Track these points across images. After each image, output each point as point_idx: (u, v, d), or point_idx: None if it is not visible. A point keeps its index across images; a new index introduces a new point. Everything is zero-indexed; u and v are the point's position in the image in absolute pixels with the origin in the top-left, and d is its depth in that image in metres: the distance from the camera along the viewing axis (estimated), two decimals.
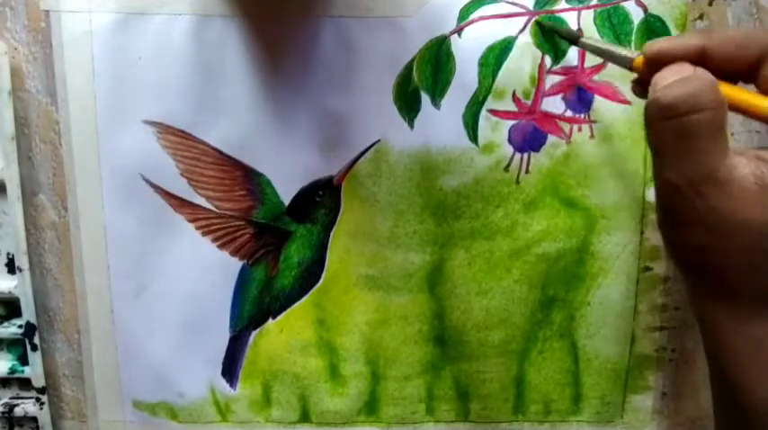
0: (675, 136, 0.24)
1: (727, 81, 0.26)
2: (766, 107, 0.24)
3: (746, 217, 0.23)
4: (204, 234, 0.39)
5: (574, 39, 0.35)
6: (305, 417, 0.42)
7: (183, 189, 0.38)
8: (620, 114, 0.37)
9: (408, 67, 0.37)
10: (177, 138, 0.38)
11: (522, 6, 0.36)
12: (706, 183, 0.24)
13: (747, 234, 0.23)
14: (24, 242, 0.38)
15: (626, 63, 0.29)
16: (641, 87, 0.29)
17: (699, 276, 0.26)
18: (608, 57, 0.32)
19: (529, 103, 0.37)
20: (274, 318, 0.40)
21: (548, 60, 0.37)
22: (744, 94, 0.25)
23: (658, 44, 0.27)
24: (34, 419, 0.41)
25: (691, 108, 0.24)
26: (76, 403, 0.42)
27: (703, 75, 0.25)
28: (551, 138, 0.38)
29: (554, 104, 0.37)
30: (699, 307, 0.27)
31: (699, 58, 0.26)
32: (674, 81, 0.25)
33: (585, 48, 0.34)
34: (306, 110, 0.37)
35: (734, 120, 0.38)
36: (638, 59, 0.28)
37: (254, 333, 0.40)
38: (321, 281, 0.40)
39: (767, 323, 0.24)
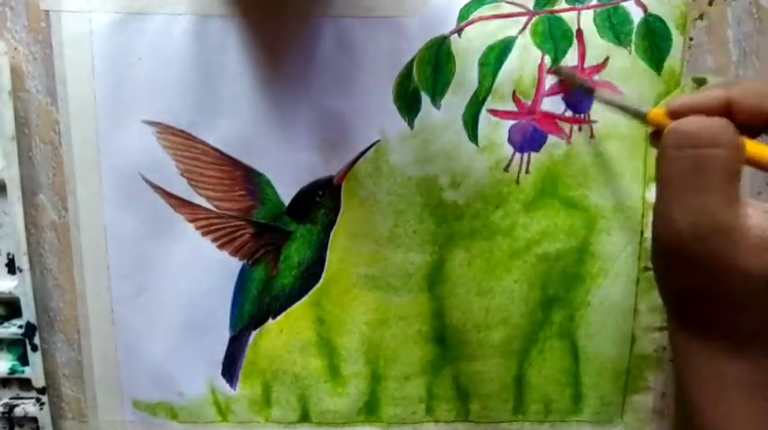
0: (689, 168, 0.24)
1: (749, 135, 0.25)
2: None
3: (746, 266, 0.23)
4: (204, 234, 0.39)
5: (590, 90, 0.34)
6: (305, 417, 0.42)
7: (183, 189, 0.38)
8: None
9: (408, 67, 0.37)
10: (177, 138, 0.38)
11: (522, 6, 0.36)
12: (711, 229, 0.23)
13: (741, 283, 0.23)
14: (24, 242, 0.38)
15: (641, 117, 0.29)
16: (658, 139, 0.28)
17: (682, 312, 0.26)
18: (623, 110, 0.32)
19: (529, 102, 0.37)
20: (274, 317, 0.40)
21: (548, 60, 0.37)
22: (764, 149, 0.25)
23: (682, 99, 0.26)
24: (34, 419, 0.41)
25: (708, 141, 0.24)
26: (76, 403, 0.42)
27: (723, 119, 0.24)
28: (551, 138, 0.38)
29: (554, 104, 0.37)
30: (676, 336, 0.27)
31: (724, 112, 0.25)
32: (693, 117, 0.25)
33: (601, 100, 0.34)
34: (306, 110, 0.37)
35: None
36: (655, 112, 0.28)
37: (254, 333, 0.40)
38: (321, 281, 0.40)
39: (736, 362, 0.24)
